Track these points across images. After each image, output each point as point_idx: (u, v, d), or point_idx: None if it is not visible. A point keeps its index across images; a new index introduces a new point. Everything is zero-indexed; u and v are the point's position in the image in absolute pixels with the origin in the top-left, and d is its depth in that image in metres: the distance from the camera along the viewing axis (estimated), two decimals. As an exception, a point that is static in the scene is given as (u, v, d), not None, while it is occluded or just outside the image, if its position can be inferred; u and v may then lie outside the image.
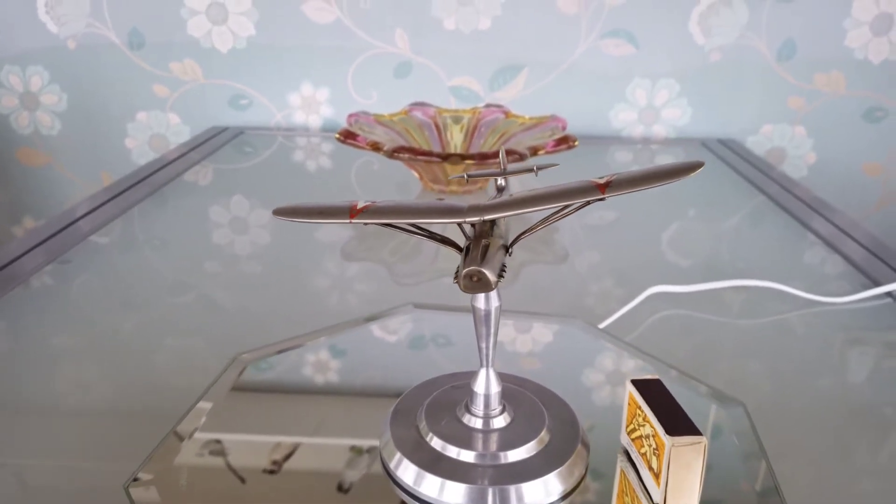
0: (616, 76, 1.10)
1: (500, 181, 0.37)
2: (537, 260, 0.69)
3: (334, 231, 0.73)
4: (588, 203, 0.28)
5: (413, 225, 0.30)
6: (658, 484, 0.30)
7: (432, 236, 0.31)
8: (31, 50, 1.11)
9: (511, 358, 0.46)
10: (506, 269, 0.29)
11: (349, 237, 0.73)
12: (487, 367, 0.32)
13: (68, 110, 1.15)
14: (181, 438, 0.35)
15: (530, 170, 0.35)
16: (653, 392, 0.31)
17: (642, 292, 0.57)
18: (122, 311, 0.56)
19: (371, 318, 0.49)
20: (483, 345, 0.32)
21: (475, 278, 0.27)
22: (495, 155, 0.70)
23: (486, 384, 0.32)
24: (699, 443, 0.28)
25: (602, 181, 0.28)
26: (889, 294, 0.58)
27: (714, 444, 0.36)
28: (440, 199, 0.30)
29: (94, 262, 0.65)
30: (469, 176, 0.37)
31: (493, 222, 0.30)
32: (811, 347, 0.53)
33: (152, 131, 1.15)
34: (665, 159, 1.04)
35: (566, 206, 0.29)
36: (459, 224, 0.29)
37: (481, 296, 0.31)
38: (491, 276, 0.27)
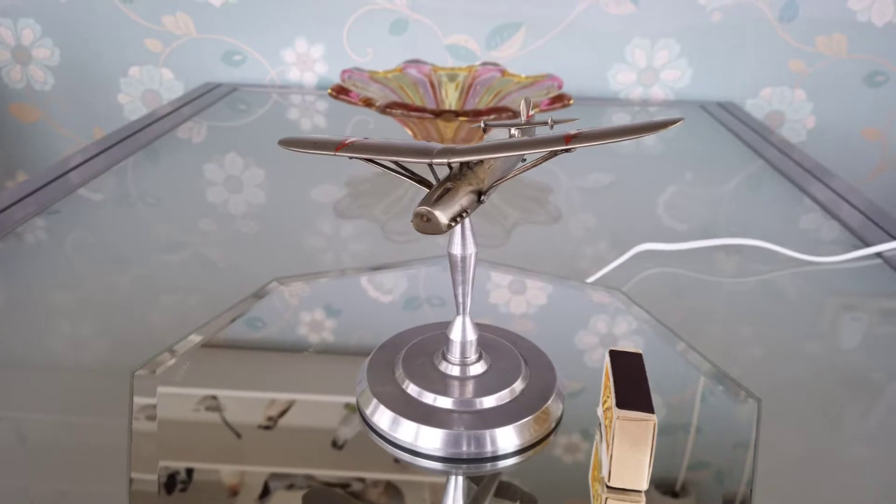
0: (615, 36, 1.08)
1: (514, 132, 0.36)
2: (530, 220, 0.69)
3: (328, 191, 0.73)
4: (555, 154, 0.28)
5: (399, 165, 0.30)
6: (608, 457, 0.29)
7: (411, 176, 0.30)
8: (22, 2, 1.09)
9: (534, 323, 0.46)
10: (465, 214, 0.28)
11: (343, 195, 0.72)
12: (464, 314, 0.32)
13: (61, 64, 1.13)
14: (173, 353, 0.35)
15: (545, 122, 0.35)
16: (628, 365, 0.30)
17: (630, 250, 0.56)
18: (109, 264, 0.56)
19: (401, 265, 0.49)
20: (459, 291, 0.32)
21: (425, 218, 0.27)
22: (489, 112, 0.69)
23: (462, 332, 0.32)
24: (648, 420, 0.27)
25: (571, 133, 0.28)
26: (879, 255, 0.58)
27: (706, 429, 0.35)
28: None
29: (82, 215, 0.65)
30: (487, 125, 0.37)
31: (468, 167, 0.29)
32: (795, 306, 0.53)
33: (145, 87, 1.14)
34: (663, 121, 1.03)
35: (545, 155, 0.28)
36: (430, 165, 0.28)
37: (457, 242, 0.30)
38: (440, 217, 0.27)
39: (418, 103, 0.83)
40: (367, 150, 0.29)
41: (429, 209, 0.27)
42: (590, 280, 0.51)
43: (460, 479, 0.30)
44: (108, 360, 0.43)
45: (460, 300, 0.32)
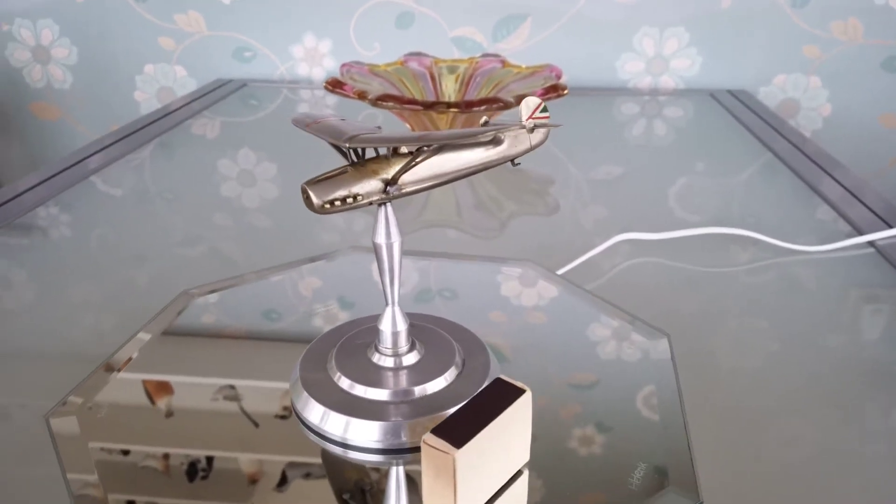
0: (623, 24, 1.07)
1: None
2: (527, 211, 0.69)
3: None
4: (420, 152, 0.30)
5: (351, 150, 0.30)
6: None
7: (351, 158, 0.31)
8: (41, 2, 1.12)
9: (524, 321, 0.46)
10: (353, 200, 0.28)
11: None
12: (393, 305, 0.32)
13: (79, 64, 1.16)
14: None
15: (523, 126, 0.34)
16: (498, 397, 0.27)
17: (609, 240, 0.56)
18: (119, 256, 0.58)
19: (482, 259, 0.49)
20: (385, 281, 0.32)
21: (304, 195, 0.28)
22: (480, 103, 0.69)
23: (392, 322, 0.32)
24: (448, 453, 0.25)
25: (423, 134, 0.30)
26: (871, 244, 0.56)
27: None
28: (377, 127, 0.30)
29: (89, 206, 0.66)
30: (486, 123, 0.36)
31: (385, 156, 0.30)
32: (775, 295, 0.52)
33: (160, 84, 1.16)
34: (672, 112, 1.02)
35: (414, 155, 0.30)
36: (345, 147, 0.29)
37: (380, 231, 0.31)
38: (314, 197, 0.28)
39: (418, 96, 0.83)
40: (316, 131, 0.30)
41: (305, 187, 0.28)
42: (561, 271, 0.51)
43: (396, 469, 0.30)
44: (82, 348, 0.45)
45: (387, 290, 0.32)
